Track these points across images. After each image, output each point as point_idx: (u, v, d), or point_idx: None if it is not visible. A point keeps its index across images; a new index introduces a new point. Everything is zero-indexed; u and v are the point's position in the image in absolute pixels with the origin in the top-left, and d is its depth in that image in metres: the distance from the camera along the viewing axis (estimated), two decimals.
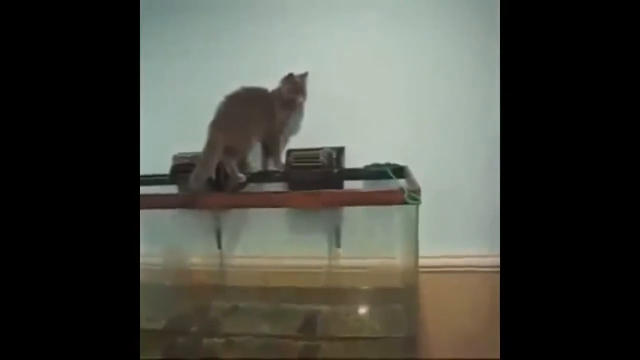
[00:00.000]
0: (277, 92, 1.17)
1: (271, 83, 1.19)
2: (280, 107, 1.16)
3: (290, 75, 1.15)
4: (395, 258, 1.21)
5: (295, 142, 1.21)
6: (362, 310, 1.24)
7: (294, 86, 1.16)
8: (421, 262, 0.98)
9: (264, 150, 1.20)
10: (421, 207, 0.91)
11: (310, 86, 1.23)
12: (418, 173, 1.06)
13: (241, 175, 1.07)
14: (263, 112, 1.14)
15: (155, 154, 1.23)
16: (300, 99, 1.18)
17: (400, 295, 1.20)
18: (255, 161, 1.21)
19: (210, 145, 1.03)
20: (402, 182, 1.05)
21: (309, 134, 1.24)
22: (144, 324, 1.21)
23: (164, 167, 1.22)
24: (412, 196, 0.89)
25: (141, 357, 1.12)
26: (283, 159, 1.18)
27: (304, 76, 1.19)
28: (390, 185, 1.07)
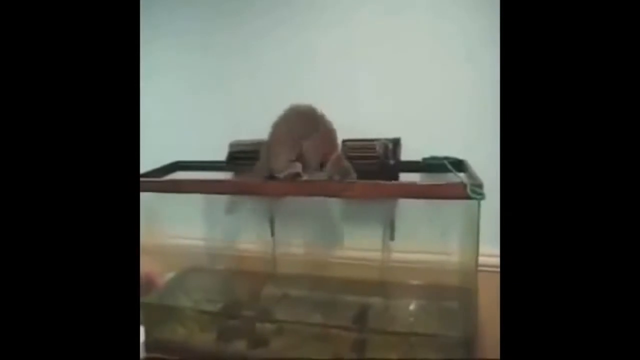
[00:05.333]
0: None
1: (321, 78, 1.23)
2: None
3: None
4: (451, 254, 1.17)
5: (350, 132, 1.19)
6: (415, 305, 1.21)
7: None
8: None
9: None
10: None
11: (365, 77, 1.23)
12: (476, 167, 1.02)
13: (298, 163, 1.07)
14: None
15: (214, 141, 1.27)
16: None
17: (456, 293, 1.16)
18: None
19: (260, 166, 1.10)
20: (462, 176, 1.01)
21: (365, 124, 1.22)
22: (203, 305, 1.27)
23: (222, 154, 1.26)
24: (475, 190, 0.86)
25: (199, 336, 1.18)
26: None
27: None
28: (449, 179, 1.03)
